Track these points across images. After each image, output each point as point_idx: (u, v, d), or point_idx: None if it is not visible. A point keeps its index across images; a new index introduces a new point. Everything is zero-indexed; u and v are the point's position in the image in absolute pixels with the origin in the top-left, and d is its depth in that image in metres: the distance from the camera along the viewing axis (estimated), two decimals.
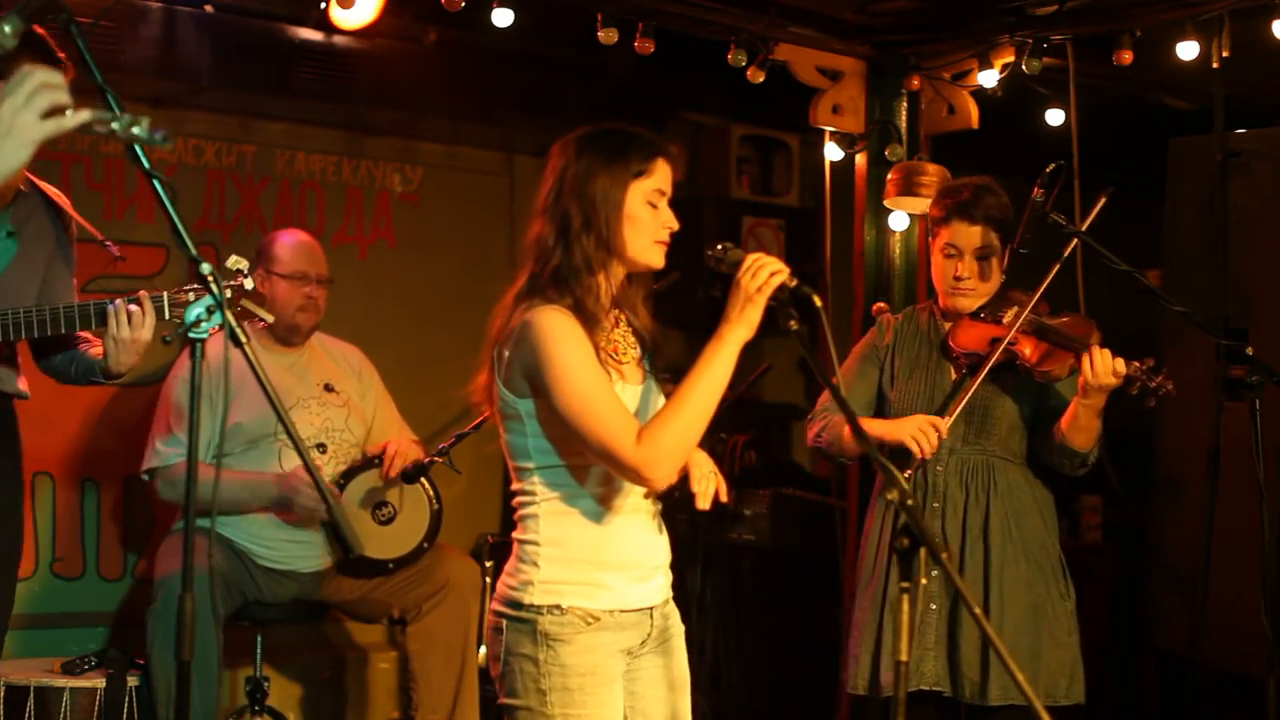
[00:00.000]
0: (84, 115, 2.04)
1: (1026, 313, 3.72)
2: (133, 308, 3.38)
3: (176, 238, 2.46)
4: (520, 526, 2.83)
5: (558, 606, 2.74)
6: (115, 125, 2.07)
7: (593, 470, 2.77)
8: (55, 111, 2.02)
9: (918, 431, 3.66)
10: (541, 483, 2.79)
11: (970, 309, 3.85)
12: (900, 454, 3.67)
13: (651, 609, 2.85)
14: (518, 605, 2.77)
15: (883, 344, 3.99)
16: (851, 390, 3.92)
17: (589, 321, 2.75)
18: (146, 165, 2.35)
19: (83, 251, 3.77)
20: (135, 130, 2.07)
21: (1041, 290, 3.79)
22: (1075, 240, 3.84)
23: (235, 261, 3.51)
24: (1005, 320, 3.77)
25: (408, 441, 4.62)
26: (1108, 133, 5.51)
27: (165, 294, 3.44)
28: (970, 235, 3.82)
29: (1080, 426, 3.66)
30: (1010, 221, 3.85)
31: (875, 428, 3.75)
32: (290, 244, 4.56)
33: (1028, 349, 3.74)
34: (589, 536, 2.77)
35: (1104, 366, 3.54)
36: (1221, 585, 4.60)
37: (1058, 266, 3.81)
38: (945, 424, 3.69)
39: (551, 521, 2.78)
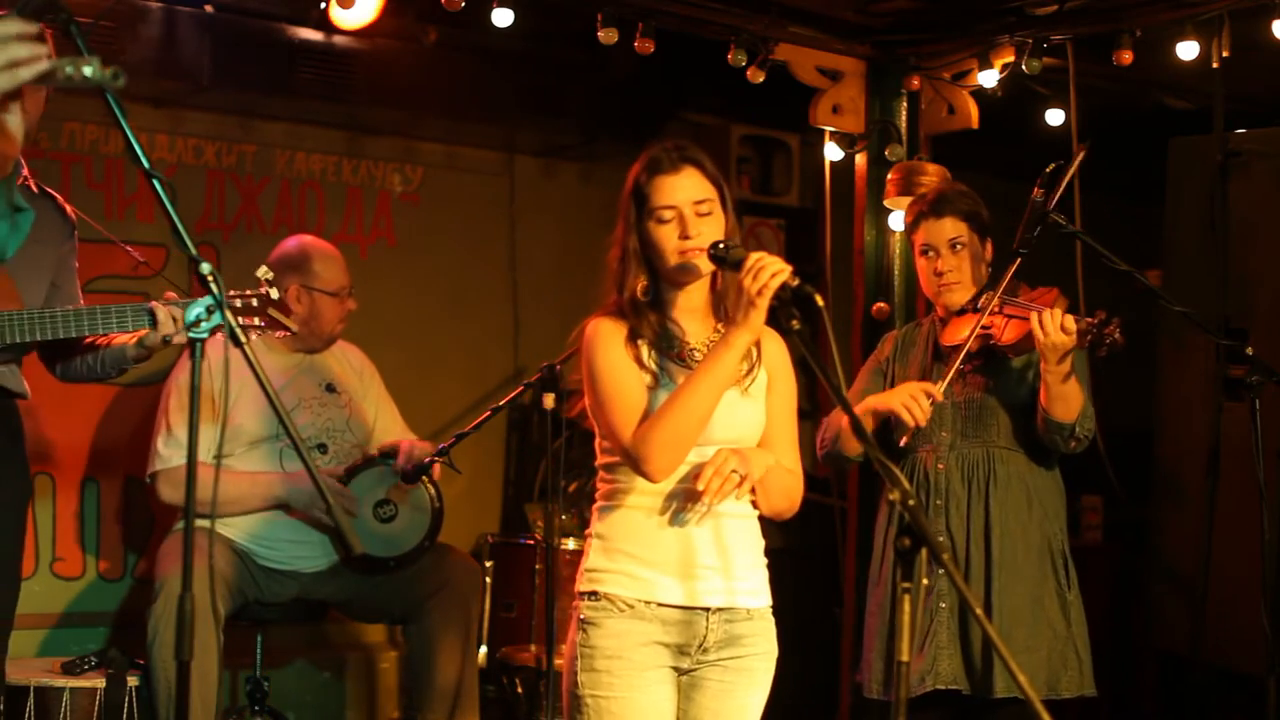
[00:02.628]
0: (41, 66, 2.05)
1: (999, 292, 3.75)
2: (175, 310, 3.42)
3: (176, 237, 2.46)
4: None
5: (595, 592, 2.88)
6: (68, 70, 2.06)
7: None
8: (22, 63, 2.02)
9: (909, 399, 3.71)
10: (600, 478, 2.97)
11: (958, 303, 3.88)
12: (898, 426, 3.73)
13: (708, 611, 2.87)
14: (580, 595, 2.92)
15: (883, 357, 4.07)
16: (856, 400, 3.96)
17: (645, 334, 2.88)
18: (146, 164, 2.35)
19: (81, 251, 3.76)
20: (86, 71, 2.06)
21: (1010, 271, 3.77)
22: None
23: (264, 272, 3.58)
24: (980, 304, 3.81)
25: (420, 442, 4.61)
26: (1108, 133, 5.50)
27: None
28: (939, 229, 3.87)
29: (1054, 395, 3.66)
30: (982, 216, 3.90)
31: (869, 402, 3.82)
32: (326, 257, 4.54)
33: (1000, 329, 3.77)
34: (630, 529, 2.89)
35: (1053, 324, 3.57)
36: (1221, 585, 4.60)
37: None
38: (938, 389, 3.72)
39: (603, 515, 2.94)
